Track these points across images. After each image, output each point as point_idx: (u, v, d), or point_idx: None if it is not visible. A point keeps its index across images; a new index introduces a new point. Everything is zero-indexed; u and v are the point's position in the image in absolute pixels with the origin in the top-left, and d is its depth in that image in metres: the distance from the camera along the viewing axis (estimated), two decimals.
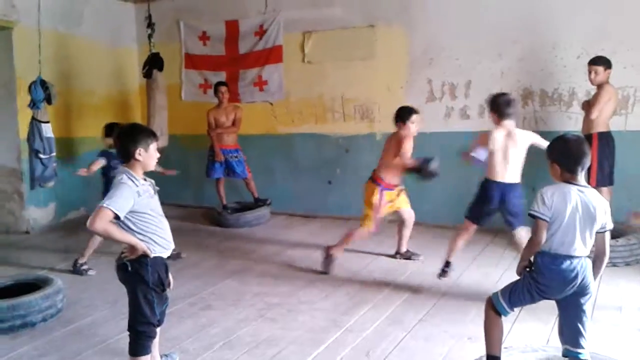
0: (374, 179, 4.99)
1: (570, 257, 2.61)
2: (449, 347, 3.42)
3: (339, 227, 6.65)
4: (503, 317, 2.82)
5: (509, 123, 4.20)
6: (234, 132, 7.06)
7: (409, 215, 5.24)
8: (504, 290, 2.83)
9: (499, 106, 4.21)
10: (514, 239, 4.32)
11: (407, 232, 5.32)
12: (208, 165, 7.06)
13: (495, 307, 2.80)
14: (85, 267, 5.06)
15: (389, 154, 4.95)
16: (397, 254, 5.39)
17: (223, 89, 6.97)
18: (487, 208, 4.31)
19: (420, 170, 4.65)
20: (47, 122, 6.09)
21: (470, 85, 6.32)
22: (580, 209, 2.61)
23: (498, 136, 4.18)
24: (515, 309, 2.82)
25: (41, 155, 6.02)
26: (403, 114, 4.88)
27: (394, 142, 4.92)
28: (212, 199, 7.35)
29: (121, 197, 2.63)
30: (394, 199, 5.07)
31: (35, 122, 6.00)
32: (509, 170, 4.22)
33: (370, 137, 6.97)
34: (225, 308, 4.17)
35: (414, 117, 4.84)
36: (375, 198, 4.92)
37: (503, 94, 4.35)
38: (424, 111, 6.52)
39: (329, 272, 4.95)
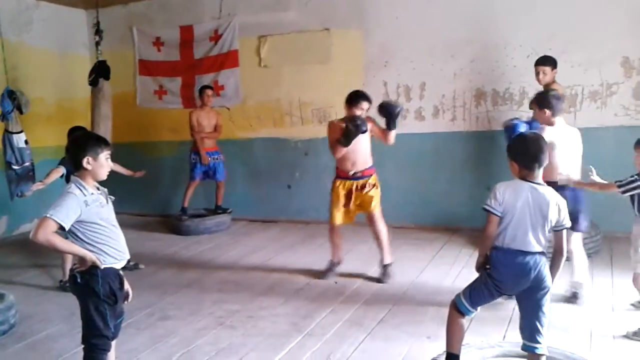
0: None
1: (523, 252, 2.67)
2: (409, 346, 3.45)
3: (299, 230, 6.67)
4: (466, 317, 2.85)
5: (559, 119, 3.99)
6: (216, 137, 7.06)
7: (373, 219, 4.83)
8: (464, 290, 2.87)
9: (549, 103, 3.94)
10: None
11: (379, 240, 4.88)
12: (191, 167, 6.99)
13: (459, 308, 2.84)
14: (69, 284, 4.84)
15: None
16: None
17: (209, 92, 6.90)
18: None
19: (347, 131, 4.49)
20: (20, 132, 6.02)
21: (425, 87, 6.41)
22: (532, 205, 2.66)
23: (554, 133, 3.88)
24: (477, 308, 2.84)
25: (14, 167, 5.92)
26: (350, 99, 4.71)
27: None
28: (168, 206, 7.24)
29: (65, 207, 2.55)
30: (358, 193, 4.76)
31: (6, 134, 5.90)
32: (567, 168, 3.92)
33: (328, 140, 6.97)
34: (184, 317, 4.10)
35: (365, 104, 4.68)
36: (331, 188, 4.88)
37: (549, 90, 4.29)
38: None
39: (326, 276, 4.89)
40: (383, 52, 6.57)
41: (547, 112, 3.94)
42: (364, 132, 4.52)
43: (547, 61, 5.13)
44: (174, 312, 4.22)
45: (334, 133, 4.67)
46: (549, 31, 5.75)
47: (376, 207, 4.80)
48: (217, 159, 7.05)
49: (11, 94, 5.89)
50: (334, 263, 4.98)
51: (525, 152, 2.72)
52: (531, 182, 2.70)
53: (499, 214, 2.71)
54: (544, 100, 3.98)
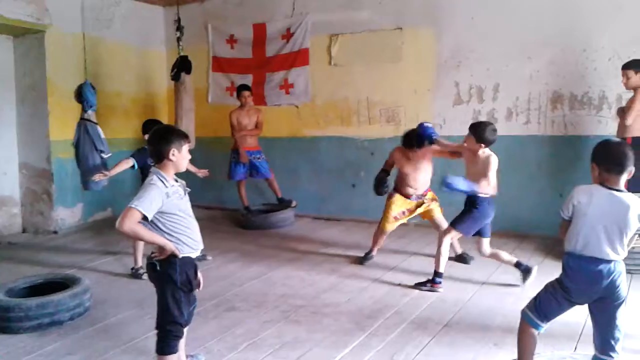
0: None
1: (596, 259, 2.58)
2: (475, 352, 3.38)
3: (362, 230, 6.66)
4: (538, 331, 2.77)
5: None
6: (257, 134, 7.11)
7: (438, 227, 5.15)
8: (530, 303, 2.81)
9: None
10: None
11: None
12: (231, 167, 7.10)
13: (528, 323, 2.77)
14: (141, 271, 4.98)
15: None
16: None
17: (246, 93, 7.00)
18: None
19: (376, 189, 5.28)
20: (97, 124, 6.33)
21: (499, 88, 6.25)
22: (608, 212, 2.57)
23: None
24: (547, 322, 2.76)
25: (103, 155, 6.22)
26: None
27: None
28: (235, 200, 7.39)
29: (149, 198, 2.66)
30: (418, 209, 5.18)
31: (90, 124, 6.21)
32: None
33: (395, 141, 6.86)
34: (250, 309, 4.19)
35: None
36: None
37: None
38: (450, 114, 6.53)
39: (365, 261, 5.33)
40: (456, 53, 6.45)
41: None
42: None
43: (631, 64, 4.93)
44: (240, 304, 4.31)
45: (390, 158, 5.26)
46: (633, 34, 5.48)
47: (440, 218, 5.16)
48: (258, 158, 7.09)
49: (93, 88, 6.20)
50: (371, 254, 5.42)
51: (607, 157, 2.63)
52: (610, 187, 2.59)
53: (567, 218, 2.68)
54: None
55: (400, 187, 5.16)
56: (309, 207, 7.39)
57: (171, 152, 2.78)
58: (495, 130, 4.29)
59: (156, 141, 2.85)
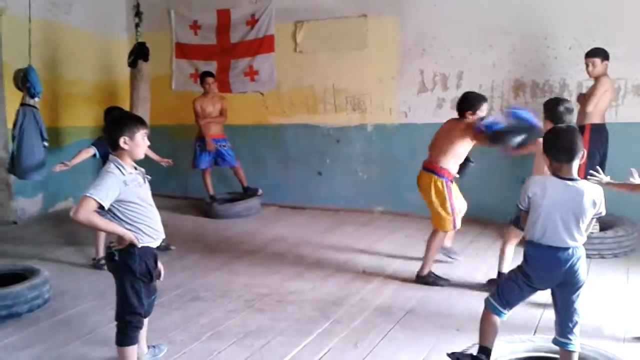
0: (434, 170, 4.37)
1: (554, 247, 2.62)
2: (437, 337, 3.42)
3: (328, 217, 6.68)
4: (500, 318, 2.80)
5: None
6: (222, 122, 7.04)
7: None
8: (493, 292, 2.85)
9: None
10: None
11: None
12: (196, 155, 7.01)
13: (491, 310, 2.81)
14: (102, 261, 4.80)
15: (449, 141, 4.34)
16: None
17: (210, 79, 6.92)
18: None
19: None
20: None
21: (462, 76, 6.31)
22: (562, 201, 2.61)
23: None
24: (510, 309, 2.79)
25: (46, 144, 5.88)
26: (473, 103, 4.31)
27: (459, 128, 4.33)
28: (199, 189, 7.31)
29: (105, 186, 2.60)
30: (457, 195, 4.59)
31: (34, 110, 5.86)
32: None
33: (361, 129, 6.96)
34: (214, 299, 4.16)
35: (484, 106, 4.34)
36: (444, 191, 4.33)
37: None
38: (415, 102, 6.56)
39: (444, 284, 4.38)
40: (420, 40, 6.47)
41: None
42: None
43: (595, 53, 5.01)
44: (204, 294, 4.27)
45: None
46: (592, 22, 5.59)
47: None
48: (224, 145, 7.02)
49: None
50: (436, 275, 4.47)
51: (556, 147, 2.67)
52: (563, 177, 2.63)
53: (524, 209, 2.73)
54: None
55: (451, 169, 4.40)
56: (275, 195, 7.35)
57: (122, 139, 2.72)
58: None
59: (108, 128, 2.81)
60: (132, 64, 6.51)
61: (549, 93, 5.89)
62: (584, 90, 5.46)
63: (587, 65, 5.05)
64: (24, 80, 5.78)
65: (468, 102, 4.37)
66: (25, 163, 5.80)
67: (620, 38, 5.47)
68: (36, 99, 5.91)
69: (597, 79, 5.04)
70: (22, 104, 5.86)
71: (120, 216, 2.70)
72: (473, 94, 4.53)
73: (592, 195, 2.60)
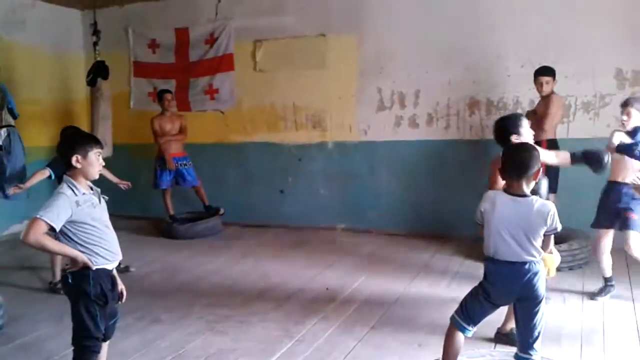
0: None
1: (509, 262, 2.65)
2: (400, 354, 3.44)
3: (291, 236, 6.66)
4: (466, 335, 2.81)
5: None
6: (182, 139, 6.97)
7: None
8: (457, 308, 2.86)
9: None
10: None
11: None
12: (156, 174, 6.90)
13: (457, 327, 2.82)
14: (59, 285, 4.72)
15: None
16: None
17: (169, 96, 6.88)
18: None
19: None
20: None
21: (419, 94, 6.42)
22: (510, 217, 2.63)
23: None
24: (474, 326, 2.80)
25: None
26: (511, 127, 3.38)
27: None
28: (160, 209, 7.19)
29: (56, 208, 2.54)
30: None
31: (16, 131, 5.77)
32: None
33: (322, 146, 6.99)
34: (175, 322, 4.08)
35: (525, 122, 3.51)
36: None
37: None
38: (374, 120, 6.65)
39: None
40: (378, 59, 6.58)
41: None
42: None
43: (549, 71, 5.16)
44: (165, 316, 4.19)
45: None
46: (542, 41, 5.78)
47: None
48: (185, 164, 6.94)
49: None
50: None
51: (507, 163, 2.71)
52: (512, 193, 2.67)
53: (479, 223, 2.77)
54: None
55: None
56: (237, 214, 7.29)
57: (75, 157, 2.66)
58: None
59: (61, 147, 2.76)
60: (91, 83, 6.43)
61: (503, 110, 6.04)
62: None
63: (541, 84, 5.17)
64: (2, 102, 5.68)
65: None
66: (13, 182, 5.67)
67: (570, 57, 5.67)
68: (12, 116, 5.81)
69: (548, 96, 5.19)
70: (6, 126, 5.75)
71: (74, 238, 2.63)
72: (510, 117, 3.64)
73: (541, 211, 2.62)
